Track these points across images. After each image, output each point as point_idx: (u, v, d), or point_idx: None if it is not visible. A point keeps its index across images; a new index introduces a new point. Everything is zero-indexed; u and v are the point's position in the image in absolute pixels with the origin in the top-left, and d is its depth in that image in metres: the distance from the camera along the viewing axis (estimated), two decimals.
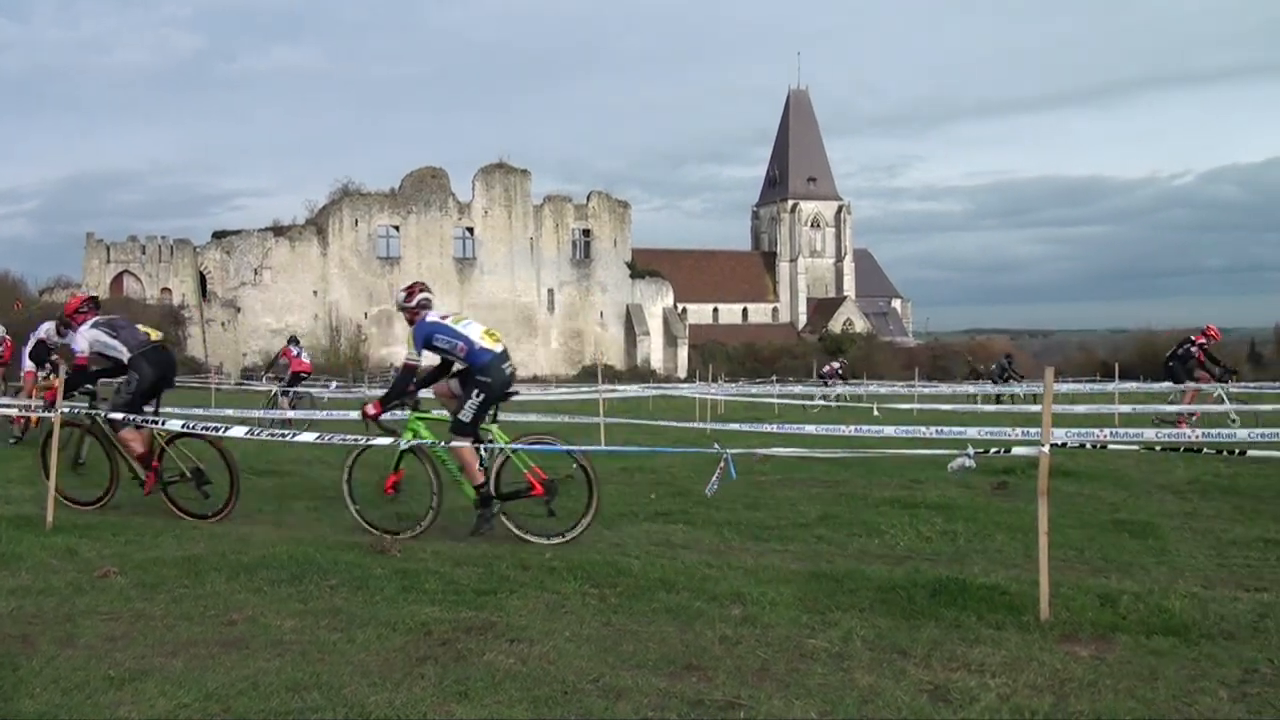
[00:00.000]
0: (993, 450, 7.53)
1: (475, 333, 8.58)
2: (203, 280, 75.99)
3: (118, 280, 74.01)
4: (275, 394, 24.38)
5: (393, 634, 5.46)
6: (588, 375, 66.25)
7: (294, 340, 26.26)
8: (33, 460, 10.59)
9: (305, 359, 25.58)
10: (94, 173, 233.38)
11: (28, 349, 16.64)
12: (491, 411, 8.64)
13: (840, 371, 43.31)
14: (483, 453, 8.47)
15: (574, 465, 8.47)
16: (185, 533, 8.43)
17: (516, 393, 9.40)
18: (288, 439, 10.26)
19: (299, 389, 24.52)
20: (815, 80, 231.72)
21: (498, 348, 8.53)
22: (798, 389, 38.05)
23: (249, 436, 9.80)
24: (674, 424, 18.89)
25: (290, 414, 21.96)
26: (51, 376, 13.81)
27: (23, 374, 17.06)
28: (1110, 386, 30.35)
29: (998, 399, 34.30)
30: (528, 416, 17.91)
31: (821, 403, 31.47)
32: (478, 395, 8.35)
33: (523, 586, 6.51)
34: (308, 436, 10.34)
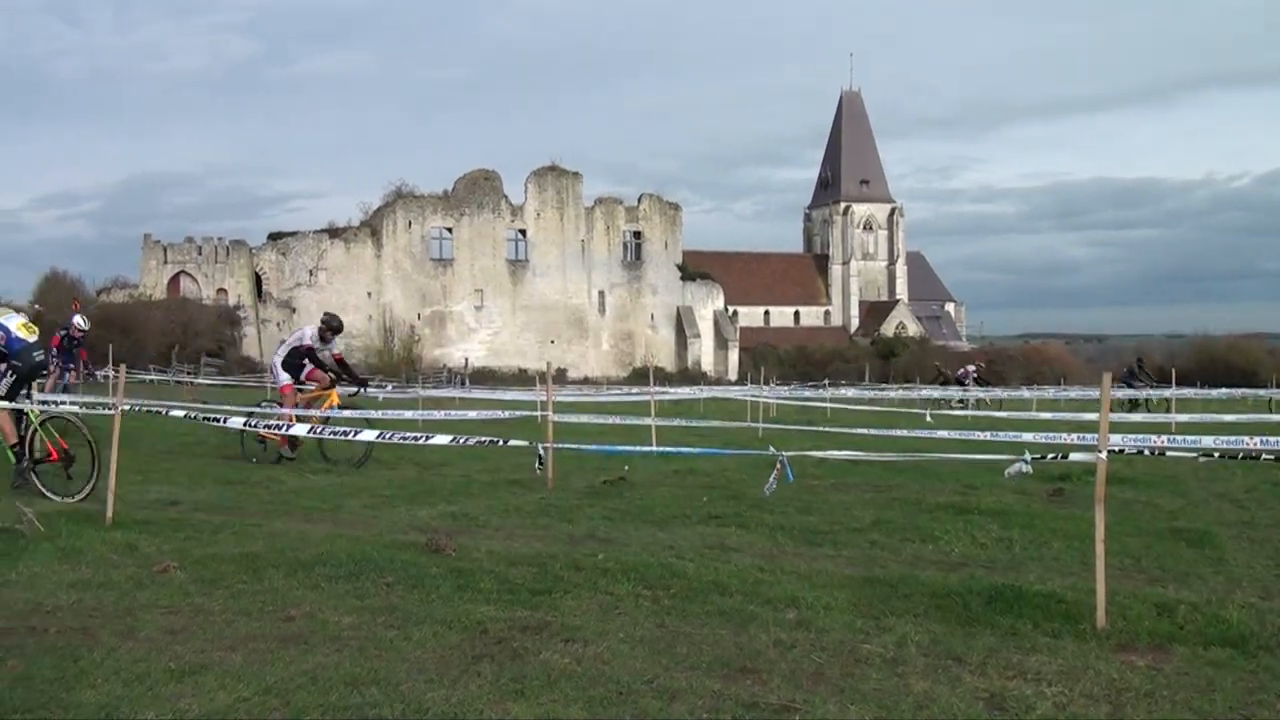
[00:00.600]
0: (1049, 456, 7.48)
1: (13, 324, 10.28)
2: (258, 281, 76.81)
3: (174, 280, 75.01)
4: None
5: (449, 632, 5.51)
6: (638, 377, 66.35)
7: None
8: None
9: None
10: (151, 175, 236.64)
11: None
12: (25, 390, 10.43)
13: (976, 374, 42.20)
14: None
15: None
16: (244, 530, 8.54)
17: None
18: (349, 438, 10.38)
19: None
20: (868, 82, 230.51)
21: (31, 338, 10.32)
22: (919, 394, 37.36)
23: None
24: (726, 424, 18.86)
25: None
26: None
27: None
28: (1167, 392, 29.99)
29: (1133, 405, 33.39)
30: (579, 418, 17.97)
31: (960, 410, 30.52)
32: (10, 375, 10.18)
33: (577, 587, 6.54)
34: (368, 435, 10.46)
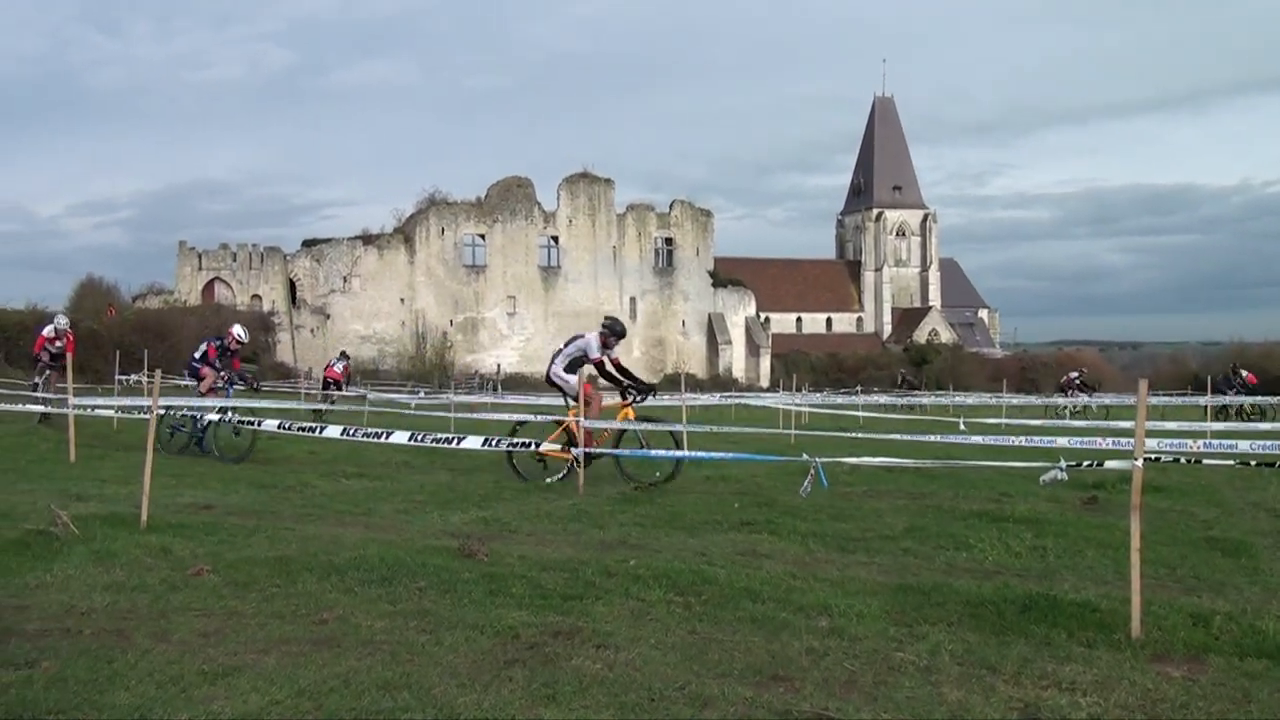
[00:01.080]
0: (1084, 463, 7.41)
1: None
2: (292, 287, 77.24)
3: (209, 287, 75.48)
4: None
5: (481, 637, 5.52)
6: (670, 384, 66.35)
7: (343, 354, 36.08)
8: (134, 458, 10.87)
9: (337, 367, 34.06)
10: (187, 183, 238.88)
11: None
12: None
13: (1079, 381, 41.34)
14: None
15: None
16: (277, 533, 8.59)
17: None
18: (379, 440, 10.42)
19: (327, 392, 33.06)
20: (901, 87, 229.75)
21: None
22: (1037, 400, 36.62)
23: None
24: (758, 430, 18.80)
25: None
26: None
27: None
28: (1203, 400, 29.68)
29: (1239, 413, 32.72)
30: (613, 424, 17.95)
31: (1068, 419, 29.70)
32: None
33: (608, 593, 6.54)
34: (400, 437, 10.49)
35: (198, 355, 16.80)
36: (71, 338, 19.83)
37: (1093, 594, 6.49)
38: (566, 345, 13.32)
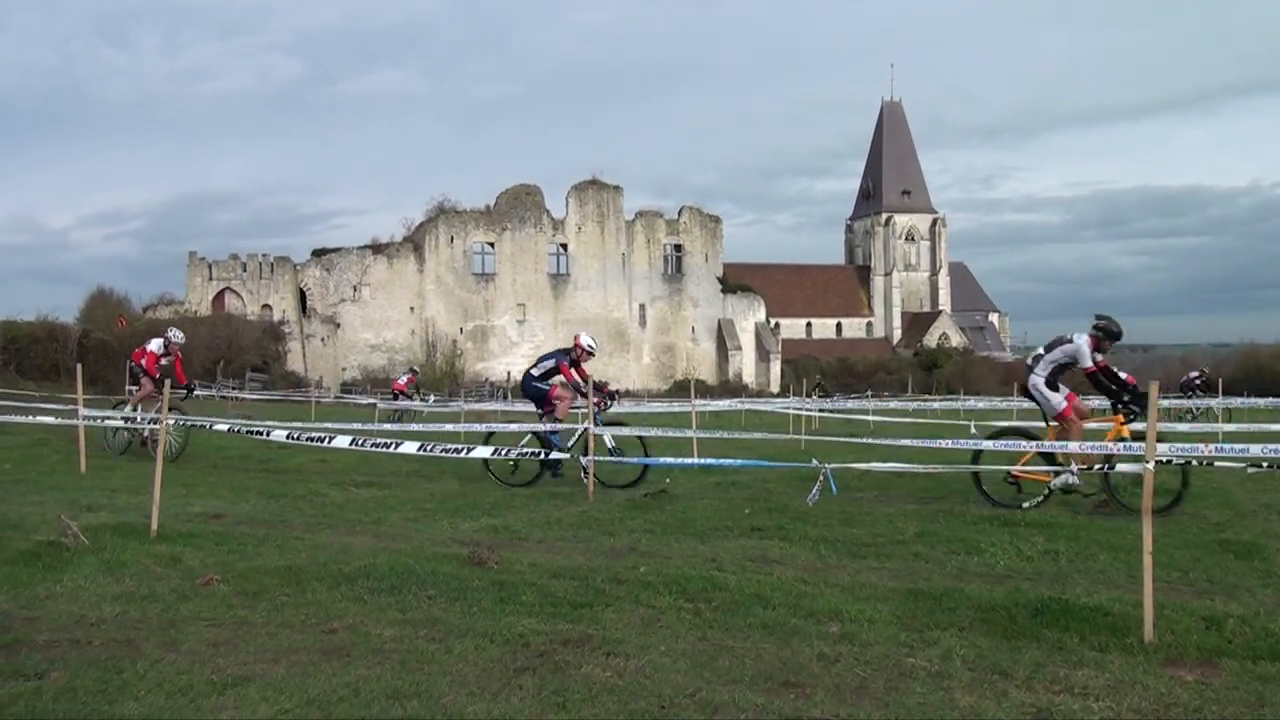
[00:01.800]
0: (1095, 466, 7.38)
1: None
2: (303, 297, 77.39)
3: (219, 297, 75.67)
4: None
5: (490, 645, 5.51)
6: (680, 390, 66.27)
7: (411, 369, 39.78)
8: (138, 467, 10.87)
9: (401, 380, 36.96)
10: (197, 194, 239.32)
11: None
12: None
13: (1199, 381, 39.60)
14: None
15: None
16: (287, 542, 8.59)
17: None
18: (390, 450, 10.42)
19: (397, 404, 34.23)
20: (909, 92, 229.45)
21: None
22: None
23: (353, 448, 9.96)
24: (769, 436, 18.77)
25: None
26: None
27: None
28: (1214, 402, 29.54)
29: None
30: (621, 430, 17.94)
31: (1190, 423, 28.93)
32: None
33: (618, 600, 6.52)
34: (409, 447, 10.49)
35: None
36: (179, 355, 17.69)
37: (1105, 598, 6.46)
38: (1047, 350, 11.32)
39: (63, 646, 5.47)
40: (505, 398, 52.42)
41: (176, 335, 17.23)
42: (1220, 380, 35.31)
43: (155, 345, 16.95)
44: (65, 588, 6.83)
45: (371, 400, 36.88)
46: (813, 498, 8.51)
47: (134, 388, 16.22)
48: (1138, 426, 10.48)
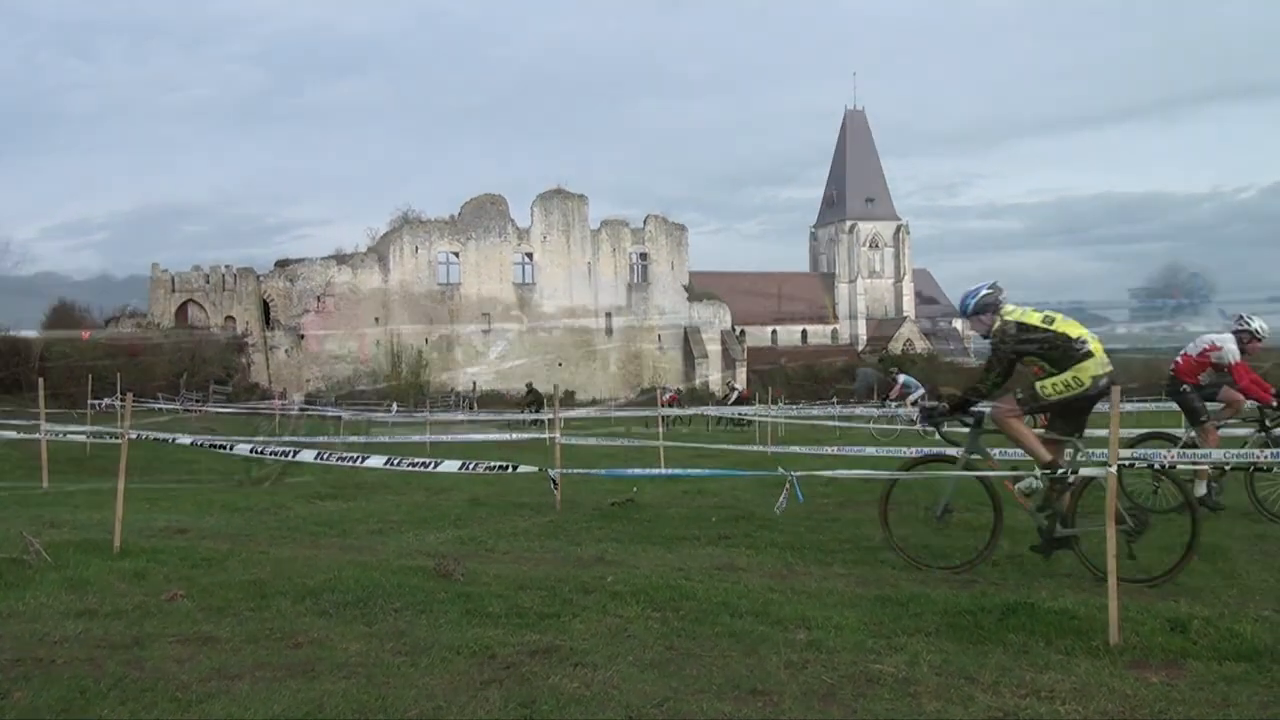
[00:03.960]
0: (1059, 470, 7.43)
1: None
2: (266, 308, 76.95)
3: (182, 309, 75.15)
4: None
5: (457, 658, 5.48)
6: (648, 398, 66.31)
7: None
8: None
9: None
10: (161, 205, 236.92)
11: None
12: None
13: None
14: None
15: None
16: (252, 557, 8.52)
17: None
18: (356, 464, 10.36)
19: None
20: (872, 100, 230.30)
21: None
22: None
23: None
24: (736, 447, 18.81)
25: None
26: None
27: None
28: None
29: None
30: (587, 440, 17.96)
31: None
32: None
33: (585, 610, 6.50)
34: (375, 461, 10.45)
35: None
36: None
37: (1070, 601, 6.49)
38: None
39: (25, 665, 5.40)
40: (471, 408, 52.30)
41: None
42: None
43: None
44: (28, 605, 6.74)
45: (340, 412, 36.57)
46: (779, 507, 8.54)
47: (98, 402, 15.82)
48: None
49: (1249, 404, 11.03)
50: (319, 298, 77.62)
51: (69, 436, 16.66)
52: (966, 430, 8.43)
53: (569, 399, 65.52)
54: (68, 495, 12.98)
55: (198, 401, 45.46)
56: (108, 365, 41.72)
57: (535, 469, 10.83)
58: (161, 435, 14.91)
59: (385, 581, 7.21)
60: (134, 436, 9.57)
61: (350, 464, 10.51)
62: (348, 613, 6.51)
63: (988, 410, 8.20)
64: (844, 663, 5.37)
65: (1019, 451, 8.50)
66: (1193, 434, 10.91)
